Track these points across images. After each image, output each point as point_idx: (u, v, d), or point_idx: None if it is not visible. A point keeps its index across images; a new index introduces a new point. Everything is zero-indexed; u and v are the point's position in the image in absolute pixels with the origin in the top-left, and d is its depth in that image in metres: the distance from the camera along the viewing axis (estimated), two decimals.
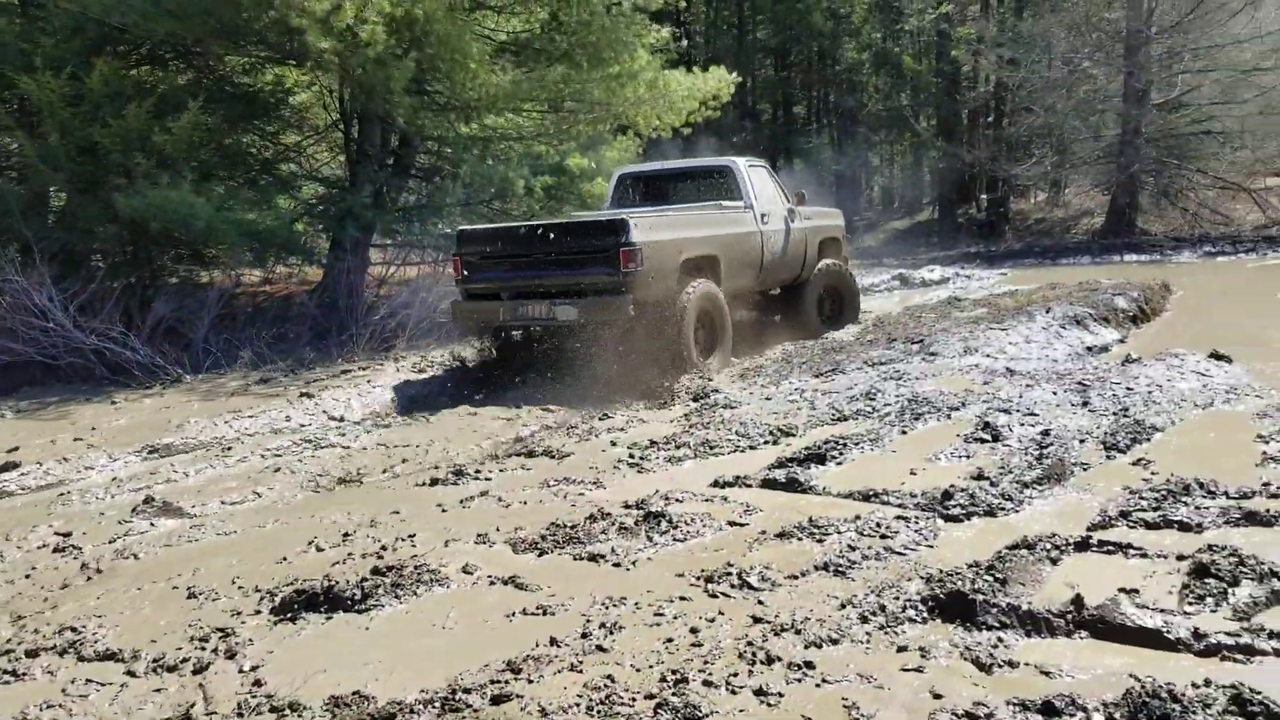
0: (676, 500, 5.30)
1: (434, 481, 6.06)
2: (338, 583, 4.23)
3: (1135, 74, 24.26)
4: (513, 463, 6.48)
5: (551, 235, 9.03)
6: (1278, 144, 25.40)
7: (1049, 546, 4.35)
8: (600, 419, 7.73)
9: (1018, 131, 28.97)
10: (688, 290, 9.21)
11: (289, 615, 4.08)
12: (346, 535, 5.11)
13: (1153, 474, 5.49)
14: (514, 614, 3.94)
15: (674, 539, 4.73)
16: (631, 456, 6.33)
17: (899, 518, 4.90)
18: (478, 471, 6.18)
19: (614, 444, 6.76)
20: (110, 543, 5.31)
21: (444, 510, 5.43)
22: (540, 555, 4.61)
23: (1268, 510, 4.75)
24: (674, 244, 9.25)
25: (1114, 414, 6.81)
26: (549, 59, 13.26)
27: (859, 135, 34.64)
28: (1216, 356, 8.97)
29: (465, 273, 9.46)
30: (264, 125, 14.65)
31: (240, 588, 4.47)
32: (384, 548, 4.83)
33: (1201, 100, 24.71)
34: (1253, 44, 23.69)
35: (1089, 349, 10.09)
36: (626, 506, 5.23)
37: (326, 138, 16.40)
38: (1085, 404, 7.14)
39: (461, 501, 5.55)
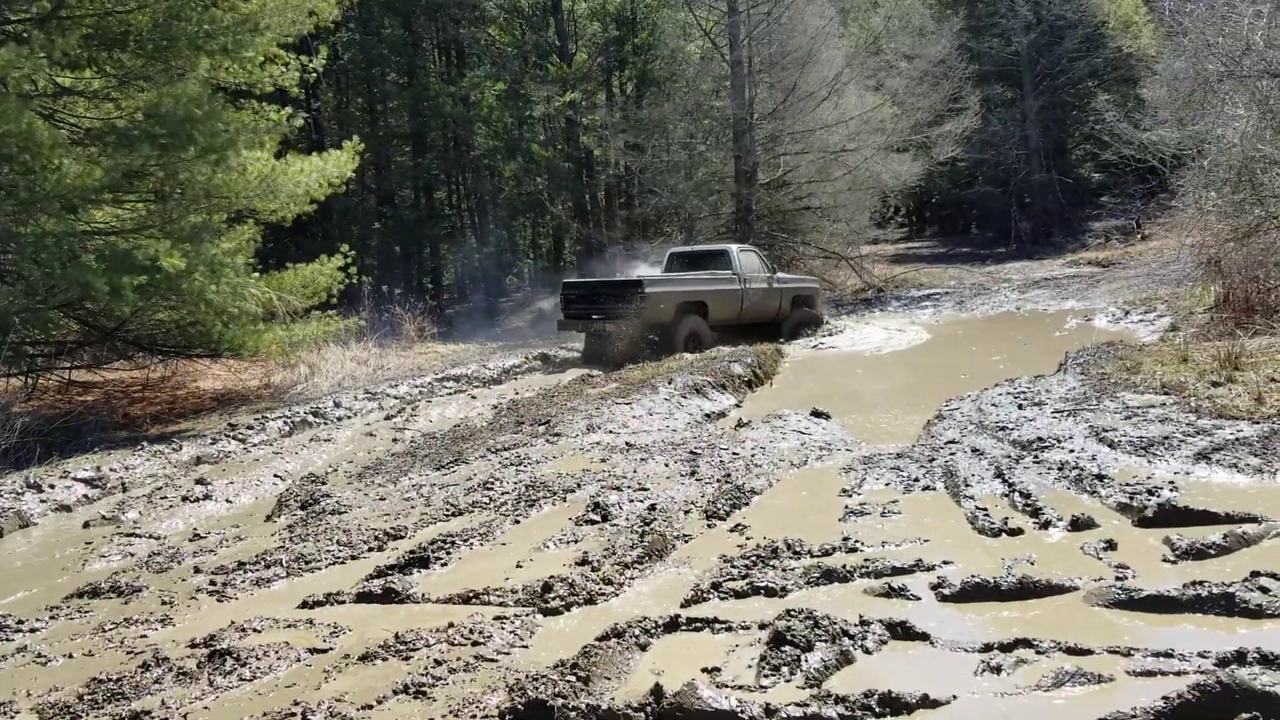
0: (254, 630, 4.74)
1: None
2: None
3: (743, 156, 26.30)
4: (72, 605, 5.59)
5: (607, 288, 16.38)
6: (867, 217, 28.45)
7: (639, 632, 4.24)
8: (191, 539, 6.95)
9: (646, 212, 30.49)
10: (682, 322, 15.94)
11: None
12: None
13: (747, 539, 5.62)
14: None
15: (241, 679, 4.17)
16: (213, 583, 5.66)
17: (497, 618, 4.64)
18: (21, 622, 5.25)
19: (197, 570, 6.03)
20: None
21: None
22: None
23: (845, 566, 4.94)
24: (671, 294, 16.08)
25: (718, 481, 6.99)
26: (139, 144, 12.19)
27: (500, 218, 35.12)
28: (816, 414, 9.60)
29: (564, 304, 16.79)
30: None
31: None
32: None
33: (801, 179, 27.20)
34: (839, 128, 26.44)
35: (708, 416, 10.47)
36: (192, 646, 4.60)
37: None
38: (694, 473, 7.30)
39: None
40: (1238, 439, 6.62)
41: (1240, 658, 3.57)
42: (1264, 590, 4.15)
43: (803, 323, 18.80)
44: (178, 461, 10.17)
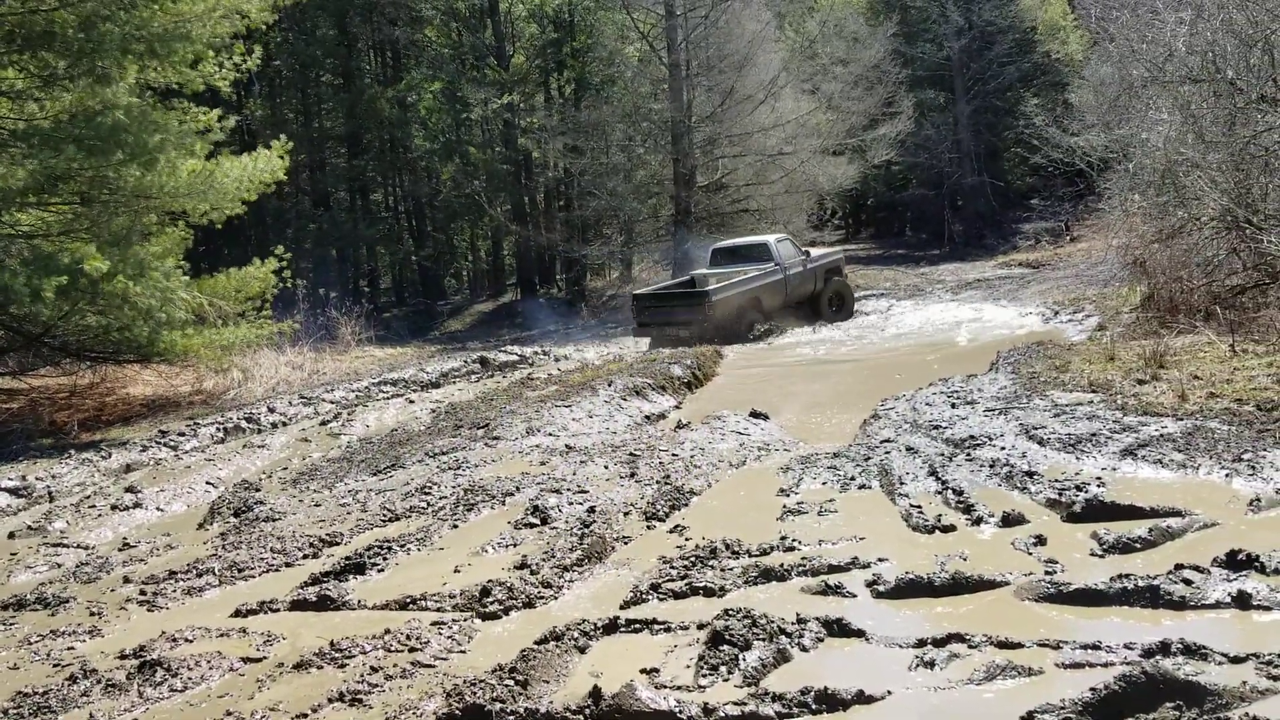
0: (185, 640, 4.65)
1: None
2: None
3: (682, 159, 26.39)
4: None
5: (675, 296, 18.51)
6: (805, 219, 28.73)
7: (578, 634, 4.24)
8: (120, 548, 6.79)
9: (585, 214, 30.46)
10: (743, 318, 17.85)
11: None
12: None
13: (686, 540, 5.64)
14: None
15: (172, 689, 4.10)
16: (144, 593, 5.54)
17: (434, 624, 4.60)
18: None
19: (127, 580, 5.90)
20: None
21: None
22: None
23: (782, 565, 4.98)
24: (732, 295, 17.78)
25: (658, 482, 7.01)
26: (64, 147, 11.87)
27: (438, 221, 34.85)
28: (755, 415, 9.66)
29: (637, 314, 18.50)
30: None
31: None
32: None
33: (739, 182, 27.37)
34: (775, 131, 26.64)
35: (647, 418, 10.48)
36: (122, 657, 4.51)
37: None
38: (633, 475, 7.31)
39: None
40: (1162, 435, 6.79)
41: (1164, 648, 3.66)
42: (1187, 582, 4.27)
43: (838, 294, 20.81)
44: (107, 469, 9.95)
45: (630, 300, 19.32)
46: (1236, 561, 4.44)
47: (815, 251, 21.50)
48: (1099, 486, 5.79)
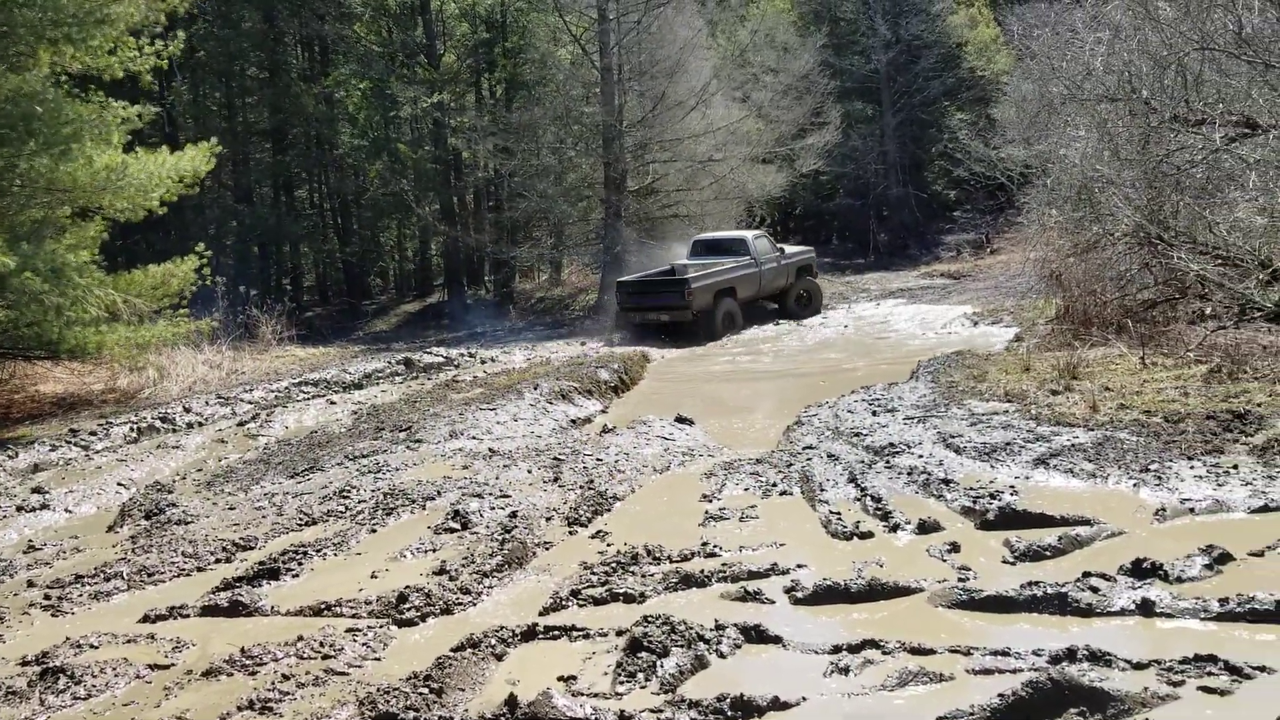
0: (90, 646, 4.52)
1: None
2: None
3: (613, 163, 26.39)
4: None
5: (657, 283, 18.83)
6: (734, 226, 28.94)
7: (495, 641, 4.22)
8: (25, 551, 6.57)
9: (515, 215, 30.29)
10: (719, 305, 18.43)
11: None
12: None
13: (608, 545, 5.64)
14: None
15: (75, 697, 3.98)
16: (48, 597, 5.36)
17: (349, 631, 4.54)
18: None
19: (31, 584, 5.71)
20: None
21: None
22: None
23: (703, 571, 5.00)
24: (710, 284, 18.37)
25: (581, 487, 7.00)
26: None
27: (364, 219, 34.33)
28: (680, 420, 9.69)
29: (620, 298, 18.89)
30: None
31: None
32: None
33: (669, 187, 27.47)
34: (706, 138, 26.80)
35: (573, 421, 10.45)
36: (23, 664, 4.37)
37: None
38: (557, 480, 7.29)
39: None
40: (1074, 445, 6.98)
41: (1071, 655, 3.76)
42: (1094, 590, 4.38)
43: (807, 291, 21.69)
44: (13, 469, 9.62)
45: (614, 286, 20.01)
46: (1141, 570, 4.57)
47: (790, 249, 22.42)
48: (1012, 495, 5.93)
